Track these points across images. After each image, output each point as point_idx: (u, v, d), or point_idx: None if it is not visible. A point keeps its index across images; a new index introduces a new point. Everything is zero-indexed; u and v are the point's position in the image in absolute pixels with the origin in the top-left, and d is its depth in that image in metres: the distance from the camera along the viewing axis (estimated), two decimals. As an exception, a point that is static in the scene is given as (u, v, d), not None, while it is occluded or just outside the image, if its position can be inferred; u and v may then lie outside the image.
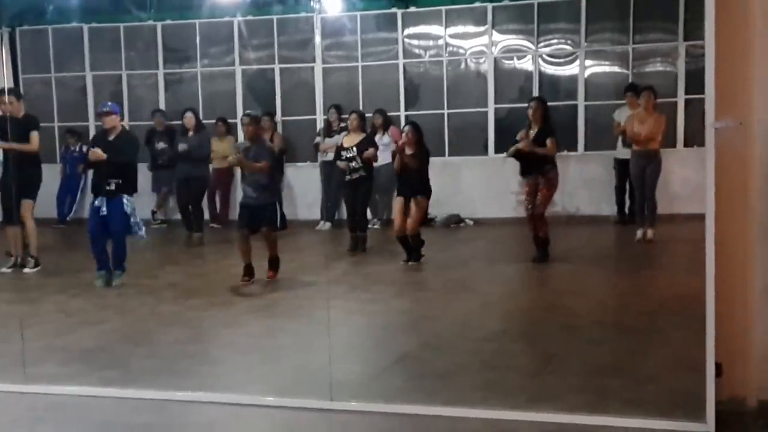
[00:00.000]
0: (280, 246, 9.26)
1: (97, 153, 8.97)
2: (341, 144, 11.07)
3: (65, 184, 14.44)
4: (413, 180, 9.92)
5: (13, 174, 9.58)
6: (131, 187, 9.15)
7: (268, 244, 9.12)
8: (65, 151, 14.62)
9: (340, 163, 10.95)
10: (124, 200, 8.98)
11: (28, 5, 13.76)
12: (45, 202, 14.42)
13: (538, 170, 9.65)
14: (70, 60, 14.98)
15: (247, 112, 9.51)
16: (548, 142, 9.60)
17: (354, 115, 11.10)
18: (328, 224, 12.95)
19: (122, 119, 10.09)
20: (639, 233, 10.83)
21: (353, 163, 10.76)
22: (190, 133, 12.55)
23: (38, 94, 15.14)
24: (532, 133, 9.67)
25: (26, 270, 9.84)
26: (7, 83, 14.42)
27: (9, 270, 9.94)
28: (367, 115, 13.51)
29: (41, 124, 14.19)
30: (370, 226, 12.93)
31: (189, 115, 12.75)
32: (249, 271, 8.96)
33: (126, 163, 9.08)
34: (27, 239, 10.03)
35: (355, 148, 10.78)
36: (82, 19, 14.53)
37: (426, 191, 9.97)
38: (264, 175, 9.02)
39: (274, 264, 9.16)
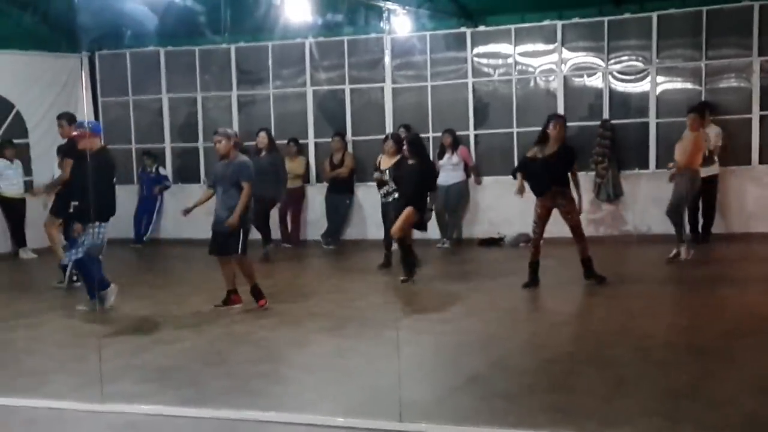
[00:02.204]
0: (351, 265, 9.33)
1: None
2: (378, 165, 11.06)
3: (142, 205, 14.81)
4: (407, 191, 10.17)
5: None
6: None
7: (243, 274, 8.82)
8: (142, 172, 15.00)
9: (378, 180, 11.02)
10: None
11: (107, 30, 14.14)
12: (122, 222, 14.91)
13: (556, 188, 9.51)
14: (147, 83, 15.36)
15: (219, 129, 9.08)
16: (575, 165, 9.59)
17: (390, 142, 11.07)
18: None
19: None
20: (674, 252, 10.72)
21: (387, 186, 10.77)
22: (263, 153, 12.76)
23: (116, 116, 15.58)
24: (547, 151, 9.54)
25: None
26: (87, 106, 14.92)
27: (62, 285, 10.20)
28: (436, 134, 13.67)
29: (118, 146, 14.72)
30: (439, 245, 13.02)
31: (263, 134, 12.99)
32: (230, 297, 8.87)
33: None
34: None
35: (388, 171, 10.79)
36: (158, 43, 14.91)
37: (416, 202, 10.04)
38: (234, 195, 8.68)
39: (255, 292, 8.83)
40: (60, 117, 10.46)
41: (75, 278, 10.03)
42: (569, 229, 9.53)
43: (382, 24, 13.57)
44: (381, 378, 6.13)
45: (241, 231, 8.66)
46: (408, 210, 10.06)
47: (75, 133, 9.46)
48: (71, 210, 9.02)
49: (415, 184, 10.20)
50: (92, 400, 5.73)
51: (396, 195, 10.71)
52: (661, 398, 5.48)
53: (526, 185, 9.66)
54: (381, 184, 10.87)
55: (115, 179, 9.41)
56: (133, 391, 6.02)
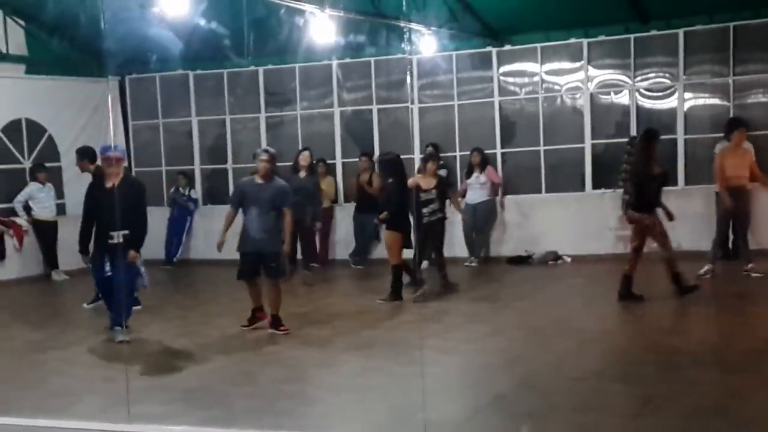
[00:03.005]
0: (379, 284, 9.35)
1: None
2: (418, 185, 10.95)
3: (172, 226, 14.94)
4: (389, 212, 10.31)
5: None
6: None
7: (271, 299, 8.72)
8: (174, 191, 15.14)
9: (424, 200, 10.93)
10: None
11: (137, 55, 14.34)
12: (153, 243, 15.03)
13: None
14: (177, 106, 15.56)
15: (265, 148, 9.06)
16: None
17: (431, 162, 11.04)
18: (425, 263, 12.98)
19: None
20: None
21: (433, 205, 10.76)
22: (303, 173, 12.70)
23: (147, 139, 15.78)
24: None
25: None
26: (116, 130, 15.14)
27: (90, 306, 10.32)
28: (464, 153, 13.71)
29: (149, 168, 14.91)
30: (467, 264, 13.02)
31: (306, 154, 12.93)
32: (255, 316, 8.89)
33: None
34: None
35: (434, 191, 10.73)
36: (184, 66, 15.09)
37: (400, 223, 10.23)
38: (273, 218, 8.60)
39: (276, 321, 8.70)
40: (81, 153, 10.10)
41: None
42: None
43: (404, 45, 13.62)
44: (406, 398, 6.13)
45: (280, 254, 8.61)
46: (395, 235, 10.21)
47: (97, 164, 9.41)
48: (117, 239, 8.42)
49: (395, 204, 10.26)
50: (119, 421, 5.78)
51: (440, 215, 10.72)
52: (690, 416, 5.44)
53: None
54: (426, 203, 10.79)
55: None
56: (159, 411, 6.06)
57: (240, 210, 8.77)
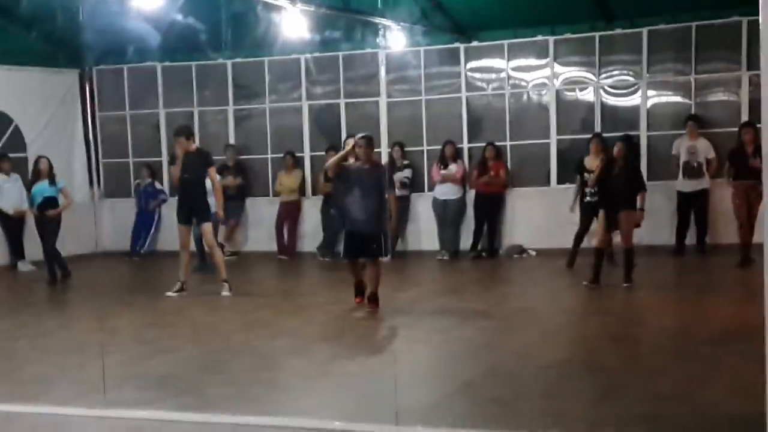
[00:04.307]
0: (348, 276, 9.48)
1: None
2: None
3: (139, 219, 14.95)
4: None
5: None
6: None
7: (371, 278, 9.06)
8: (137, 185, 15.14)
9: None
10: None
11: (105, 46, 14.31)
12: (121, 235, 15.06)
13: None
14: (145, 98, 15.55)
15: (362, 134, 9.33)
16: None
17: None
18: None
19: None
20: None
21: None
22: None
23: (113, 130, 15.74)
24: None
25: (224, 293, 10.28)
26: (84, 120, 15.13)
27: (175, 294, 10.39)
28: (431, 148, 13.89)
29: (116, 160, 14.96)
30: (438, 257, 13.21)
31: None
32: (361, 290, 9.22)
33: None
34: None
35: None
36: (159, 58, 15.09)
37: None
38: (375, 200, 8.98)
39: (373, 298, 9.04)
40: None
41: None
42: None
43: (377, 40, 13.75)
44: (377, 385, 6.28)
45: (382, 236, 8.97)
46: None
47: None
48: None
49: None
50: (95, 406, 5.86)
51: None
52: (650, 402, 5.64)
53: None
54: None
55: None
56: (134, 398, 6.14)
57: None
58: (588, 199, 11.26)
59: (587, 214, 11.38)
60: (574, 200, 11.80)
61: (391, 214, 9.21)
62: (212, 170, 10.57)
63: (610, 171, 10.03)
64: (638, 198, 9.95)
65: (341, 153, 9.37)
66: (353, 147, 9.07)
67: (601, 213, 10.14)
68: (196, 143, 11.70)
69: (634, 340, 7.67)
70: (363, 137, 9.18)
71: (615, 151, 10.09)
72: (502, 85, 13.90)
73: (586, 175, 11.39)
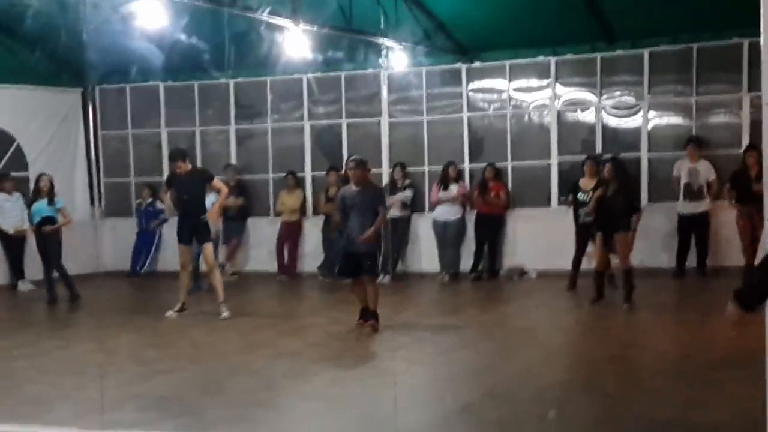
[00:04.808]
0: (348, 296, 9.46)
1: None
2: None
3: (140, 238, 14.94)
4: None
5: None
6: None
7: (370, 296, 9.19)
8: (138, 205, 15.14)
9: None
10: None
11: (107, 66, 14.36)
12: (122, 254, 15.05)
13: None
14: (147, 117, 15.57)
15: (353, 157, 9.55)
16: None
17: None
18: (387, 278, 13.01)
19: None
20: None
21: None
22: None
23: (115, 149, 15.77)
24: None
25: (223, 315, 10.14)
26: (87, 139, 15.16)
27: (175, 314, 10.35)
28: (432, 168, 13.89)
29: (118, 179, 14.96)
30: (438, 279, 13.19)
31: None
32: (365, 314, 9.20)
33: None
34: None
35: None
36: (158, 77, 15.13)
37: None
38: (370, 219, 9.12)
39: (375, 315, 9.14)
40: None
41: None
42: None
43: (380, 60, 13.78)
44: (377, 407, 6.25)
45: (377, 254, 9.27)
46: None
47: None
48: None
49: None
50: (93, 427, 5.83)
51: None
52: (650, 426, 5.60)
53: None
54: None
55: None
56: (133, 418, 6.12)
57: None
58: (582, 220, 11.29)
59: (582, 236, 11.40)
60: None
61: (378, 229, 9.22)
62: (215, 181, 10.64)
63: (605, 193, 10.03)
64: (633, 219, 9.99)
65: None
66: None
67: (598, 235, 10.13)
68: (197, 163, 11.71)
69: (635, 362, 7.64)
70: (353, 160, 9.41)
71: (604, 172, 10.11)
72: (503, 106, 13.91)
73: (580, 195, 11.43)
